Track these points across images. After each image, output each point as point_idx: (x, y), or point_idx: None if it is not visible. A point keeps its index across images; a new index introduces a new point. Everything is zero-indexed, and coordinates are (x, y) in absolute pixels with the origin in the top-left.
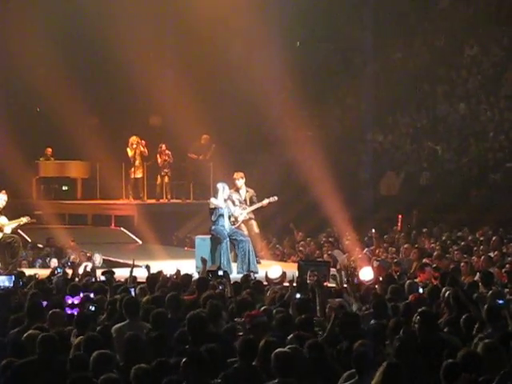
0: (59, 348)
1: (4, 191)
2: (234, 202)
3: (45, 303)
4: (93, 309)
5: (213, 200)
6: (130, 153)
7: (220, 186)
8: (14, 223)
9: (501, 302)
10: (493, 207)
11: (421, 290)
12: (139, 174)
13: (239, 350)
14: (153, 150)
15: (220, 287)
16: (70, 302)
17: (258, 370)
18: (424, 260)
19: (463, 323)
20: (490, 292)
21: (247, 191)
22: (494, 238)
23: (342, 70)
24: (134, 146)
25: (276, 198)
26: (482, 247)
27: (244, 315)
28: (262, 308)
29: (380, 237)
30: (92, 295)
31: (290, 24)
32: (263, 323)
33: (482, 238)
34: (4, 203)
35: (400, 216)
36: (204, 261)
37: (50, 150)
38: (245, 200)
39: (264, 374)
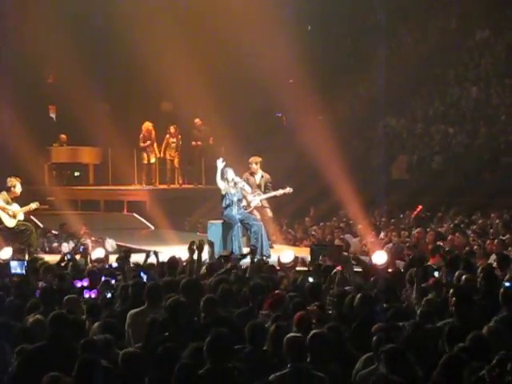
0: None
1: (19, 178)
2: (248, 186)
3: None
4: (109, 295)
5: (217, 180)
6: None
7: (224, 169)
8: (25, 210)
9: (507, 284)
10: (505, 190)
11: (436, 274)
12: (153, 159)
13: (247, 335)
14: (163, 135)
15: (233, 271)
16: (79, 285)
17: (268, 355)
18: (438, 243)
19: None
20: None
21: (262, 176)
22: (497, 221)
23: (353, 54)
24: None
25: (291, 189)
26: (491, 230)
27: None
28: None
29: (388, 221)
30: (103, 279)
31: (301, 8)
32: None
33: (497, 221)
34: (20, 190)
35: (420, 206)
36: (211, 244)
37: (64, 136)
38: (259, 185)
39: (275, 358)
